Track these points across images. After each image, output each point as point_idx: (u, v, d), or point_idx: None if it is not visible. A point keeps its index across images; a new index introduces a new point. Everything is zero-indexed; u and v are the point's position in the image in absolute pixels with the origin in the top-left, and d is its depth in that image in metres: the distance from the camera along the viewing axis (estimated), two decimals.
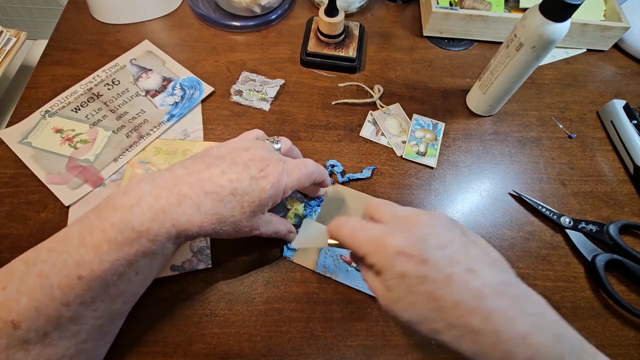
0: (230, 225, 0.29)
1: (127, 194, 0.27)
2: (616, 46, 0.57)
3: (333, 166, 0.44)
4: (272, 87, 0.49)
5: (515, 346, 0.21)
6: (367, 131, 0.47)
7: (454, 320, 0.22)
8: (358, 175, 0.43)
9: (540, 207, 0.42)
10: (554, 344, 0.22)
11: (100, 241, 0.25)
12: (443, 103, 0.51)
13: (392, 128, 0.48)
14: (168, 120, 0.46)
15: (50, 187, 0.40)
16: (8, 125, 0.44)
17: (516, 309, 0.22)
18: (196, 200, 0.28)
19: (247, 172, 0.29)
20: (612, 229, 0.40)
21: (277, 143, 0.35)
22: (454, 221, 0.28)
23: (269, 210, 0.34)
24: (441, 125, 0.48)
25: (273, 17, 0.55)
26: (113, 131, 0.44)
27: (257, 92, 0.49)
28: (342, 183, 0.43)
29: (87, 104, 0.46)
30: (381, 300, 0.25)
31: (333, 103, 0.49)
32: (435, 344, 0.33)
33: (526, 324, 0.22)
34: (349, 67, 0.51)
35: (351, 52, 0.51)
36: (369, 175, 0.44)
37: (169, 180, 0.28)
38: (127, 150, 0.43)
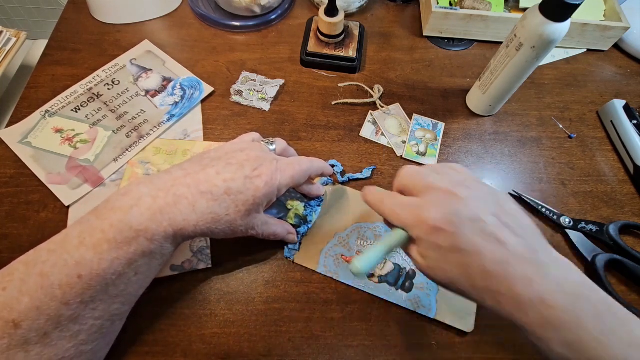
0: (225, 225, 0.30)
1: (126, 195, 0.28)
2: (616, 46, 0.57)
3: (333, 166, 0.44)
4: (272, 87, 0.49)
5: (532, 306, 0.23)
6: (367, 131, 0.47)
7: (478, 282, 0.25)
8: (358, 175, 0.43)
9: (540, 207, 0.42)
10: (571, 304, 0.23)
11: (100, 241, 0.26)
12: (443, 103, 0.51)
13: (392, 128, 0.48)
14: (168, 120, 0.46)
15: (50, 187, 0.40)
16: (8, 125, 0.44)
17: (538, 273, 0.24)
18: (192, 200, 0.28)
19: (241, 171, 0.30)
20: (612, 229, 0.40)
21: (272, 144, 0.36)
22: (490, 190, 0.28)
23: (267, 211, 0.34)
24: (441, 125, 0.48)
25: (273, 17, 0.55)
26: (113, 131, 0.44)
27: (257, 92, 0.49)
28: (342, 183, 0.43)
29: (87, 104, 0.46)
30: (418, 266, 0.28)
31: (333, 103, 0.49)
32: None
33: (547, 286, 0.23)
34: (349, 67, 0.51)
35: (351, 52, 0.51)
36: (369, 176, 0.44)
37: (167, 181, 0.29)
38: (127, 150, 0.43)
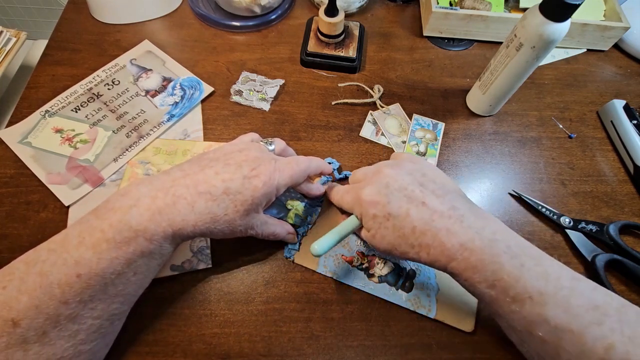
0: (224, 225, 0.30)
1: (126, 195, 0.28)
2: (616, 46, 0.57)
3: (330, 163, 0.44)
4: (272, 87, 0.49)
5: (456, 251, 0.28)
6: (367, 131, 0.47)
7: (412, 241, 0.29)
8: None
9: (540, 207, 0.42)
10: (488, 247, 0.27)
11: (99, 240, 0.26)
12: (443, 103, 0.51)
13: (392, 128, 0.48)
14: (168, 120, 0.46)
15: (50, 187, 0.40)
16: (8, 125, 0.44)
17: (459, 225, 0.28)
18: (190, 201, 0.29)
19: (239, 171, 0.30)
20: (612, 229, 0.40)
21: (271, 144, 0.37)
22: (417, 161, 0.34)
23: (267, 211, 0.34)
24: (441, 125, 0.48)
25: (273, 17, 0.55)
26: (113, 131, 0.44)
27: (257, 92, 0.49)
28: (339, 179, 0.43)
29: (87, 104, 0.46)
30: (367, 240, 0.33)
31: (333, 103, 0.49)
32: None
33: (466, 234, 0.28)
34: (349, 67, 0.51)
35: (351, 52, 0.51)
36: None
37: (166, 182, 0.29)
38: (127, 150, 0.43)
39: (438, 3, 0.55)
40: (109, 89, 0.48)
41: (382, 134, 0.47)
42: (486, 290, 0.27)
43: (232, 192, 0.30)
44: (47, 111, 0.45)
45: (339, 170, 0.44)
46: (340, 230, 0.33)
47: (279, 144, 0.37)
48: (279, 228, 0.35)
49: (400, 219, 0.29)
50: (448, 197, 0.30)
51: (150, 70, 0.50)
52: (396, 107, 0.50)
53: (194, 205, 0.29)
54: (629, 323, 0.25)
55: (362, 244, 0.39)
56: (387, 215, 0.30)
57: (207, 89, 0.49)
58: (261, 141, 0.37)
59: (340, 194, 0.36)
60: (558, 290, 0.26)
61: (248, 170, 0.30)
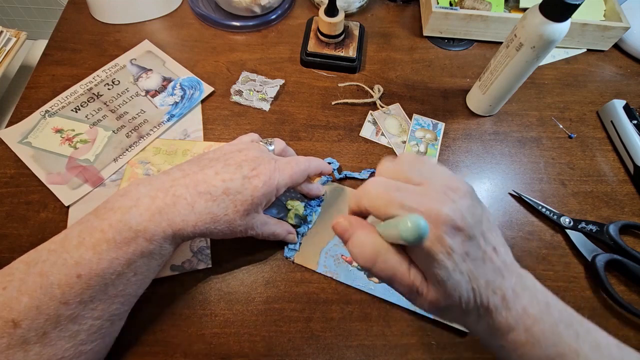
0: (224, 225, 0.30)
1: (125, 195, 0.28)
2: (616, 46, 0.57)
3: (329, 163, 0.44)
4: (272, 87, 0.49)
5: (518, 318, 0.22)
6: (367, 131, 0.47)
7: (484, 300, 0.22)
8: (355, 175, 0.43)
9: (540, 207, 0.42)
10: (546, 313, 0.23)
11: (99, 241, 0.26)
12: (443, 103, 0.51)
13: (392, 128, 0.48)
14: (168, 120, 0.46)
15: (50, 187, 0.40)
16: (8, 125, 0.44)
17: (519, 285, 0.23)
18: (190, 201, 0.29)
19: (239, 171, 0.30)
20: (612, 229, 0.40)
21: (270, 144, 0.36)
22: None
23: (267, 211, 0.34)
24: (441, 125, 0.48)
25: (273, 17, 0.55)
26: (113, 131, 0.44)
27: (257, 92, 0.49)
28: (339, 180, 0.43)
29: (87, 104, 0.46)
30: (425, 290, 0.22)
31: (333, 103, 0.49)
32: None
33: (526, 295, 0.23)
34: (349, 67, 0.51)
35: (351, 52, 0.51)
36: (367, 177, 0.44)
37: (165, 182, 0.29)
38: (127, 150, 0.43)
39: (438, 3, 0.55)
40: (109, 89, 0.48)
41: (382, 134, 0.47)
42: None
43: (232, 192, 0.29)
44: (47, 111, 0.45)
45: (339, 170, 0.44)
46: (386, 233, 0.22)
47: (278, 144, 0.37)
48: (279, 228, 0.35)
49: (477, 264, 0.21)
50: (505, 244, 0.24)
51: (150, 70, 0.50)
52: (396, 107, 0.50)
53: (193, 205, 0.28)
54: None
55: None
56: (464, 255, 0.21)
57: (207, 89, 0.49)
58: (261, 141, 0.37)
59: (385, 190, 0.22)
60: None
61: (248, 170, 0.30)
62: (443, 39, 0.57)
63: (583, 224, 0.41)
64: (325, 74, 0.52)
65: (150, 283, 0.31)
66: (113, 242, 0.26)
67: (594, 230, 0.41)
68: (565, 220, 0.42)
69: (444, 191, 0.21)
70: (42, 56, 0.50)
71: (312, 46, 0.52)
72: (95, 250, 0.26)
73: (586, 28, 0.53)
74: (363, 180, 0.43)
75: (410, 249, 0.22)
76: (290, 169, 0.33)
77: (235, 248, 0.38)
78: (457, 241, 0.21)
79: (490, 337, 0.23)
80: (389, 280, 0.23)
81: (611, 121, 0.48)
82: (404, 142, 0.47)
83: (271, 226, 0.34)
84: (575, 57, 0.56)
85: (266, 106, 0.48)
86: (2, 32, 0.58)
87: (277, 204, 0.39)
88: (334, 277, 0.38)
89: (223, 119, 0.47)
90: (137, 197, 0.28)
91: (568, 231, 0.41)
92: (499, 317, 0.22)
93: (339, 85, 0.51)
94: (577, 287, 0.39)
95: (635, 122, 0.47)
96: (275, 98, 0.49)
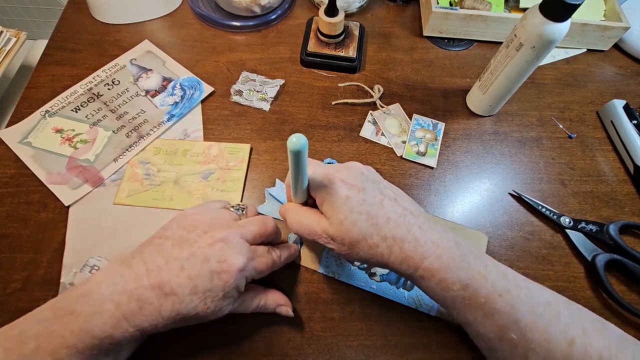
0: (195, 320, 0.29)
1: (88, 297, 0.26)
2: (616, 46, 0.57)
3: (329, 164, 0.44)
4: (272, 87, 0.49)
5: (429, 248, 0.28)
6: (367, 131, 0.47)
7: (386, 232, 0.28)
8: None
9: (540, 207, 0.42)
10: (455, 246, 0.28)
11: (59, 347, 0.25)
12: (443, 103, 0.51)
13: (392, 128, 0.48)
14: (168, 120, 0.46)
15: (50, 187, 0.40)
16: (8, 125, 0.44)
17: (428, 224, 0.29)
18: (157, 305, 0.27)
19: (206, 266, 0.28)
20: (612, 229, 0.40)
21: (242, 210, 0.34)
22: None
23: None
24: (441, 125, 0.48)
25: (273, 17, 0.55)
26: (113, 131, 0.44)
27: (257, 92, 0.49)
28: None
29: (87, 104, 0.46)
30: (330, 230, 0.29)
31: (333, 103, 0.49)
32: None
33: (435, 233, 0.28)
34: (349, 67, 0.51)
35: (351, 52, 0.51)
36: None
37: (129, 281, 0.27)
38: (127, 150, 0.43)
39: (438, 3, 0.55)
40: (109, 89, 0.48)
41: (382, 134, 0.47)
42: (459, 292, 0.27)
43: (200, 290, 0.27)
44: (47, 111, 0.45)
45: None
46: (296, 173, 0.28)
47: (250, 210, 0.35)
48: (269, 299, 0.33)
49: (374, 206, 0.28)
50: (414, 202, 0.31)
51: (150, 70, 0.50)
52: (396, 107, 0.50)
53: (160, 309, 0.27)
54: (578, 316, 0.26)
55: (328, 253, 0.39)
56: (361, 200, 0.28)
57: (207, 89, 0.49)
58: (232, 207, 0.34)
59: (312, 170, 0.30)
60: (519, 290, 0.27)
61: (216, 264, 0.28)
62: (443, 39, 0.57)
63: (583, 224, 0.41)
64: (325, 74, 0.52)
65: None
66: (74, 348, 0.25)
67: (594, 230, 0.41)
68: (565, 220, 0.42)
69: (342, 167, 0.31)
70: (42, 56, 0.50)
71: (312, 46, 0.52)
72: (54, 357, 0.24)
73: (586, 28, 0.53)
74: None
75: (323, 207, 0.30)
76: (265, 264, 0.31)
77: None
78: (353, 192, 0.29)
79: (409, 269, 0.28)
80: (310, 234, 0.30)
81: (611, 121, 0.48)
82: (404, 142, 0.47)
83: (254, 301, 0.32)
84: (575, 57, 0.56)
85: (266, 106, 0.48)
86: (2, 32, 0.58)
87: None
88: (335, 277, 0.38)
89: (223, 119, 0.47)
90: (99, 303, 0.26)
91: (568, 231, 0.41)
92: (407, 245, 0.28)
93: (339, 85, 0.51)
94: (577, 287, 0.39)
95: (635, 122, 0.47)
96: (275, 98, 0.49)
